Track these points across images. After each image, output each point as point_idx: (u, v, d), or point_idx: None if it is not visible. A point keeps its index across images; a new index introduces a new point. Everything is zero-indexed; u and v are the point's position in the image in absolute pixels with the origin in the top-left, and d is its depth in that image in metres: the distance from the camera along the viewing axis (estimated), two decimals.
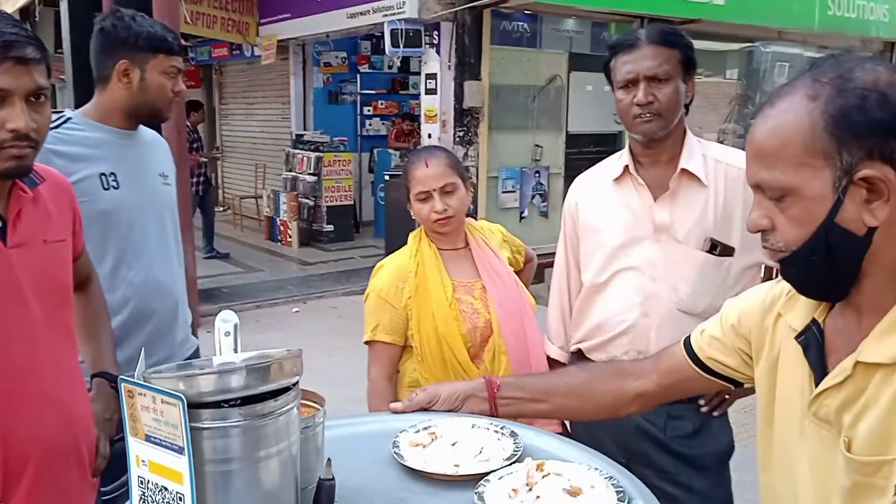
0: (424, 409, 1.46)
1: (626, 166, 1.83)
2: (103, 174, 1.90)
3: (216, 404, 0.92)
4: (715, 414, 1.89)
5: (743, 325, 1.16)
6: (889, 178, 0.86)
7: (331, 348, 5.02)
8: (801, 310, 1.04)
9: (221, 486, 0.92)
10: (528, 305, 2.01)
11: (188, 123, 6.97)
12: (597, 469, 1.22)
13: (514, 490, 1.16)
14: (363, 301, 2.01)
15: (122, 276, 2.01)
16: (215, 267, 7.96)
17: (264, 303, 6.77)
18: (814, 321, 1.01)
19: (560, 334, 2.05)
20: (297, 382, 1.01)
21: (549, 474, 1.18)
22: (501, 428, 1.39)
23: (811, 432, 0.99)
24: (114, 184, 1.91)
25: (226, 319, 1.10)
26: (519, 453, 1.28)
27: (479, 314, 1.96)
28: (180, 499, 0.91)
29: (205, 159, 8.40)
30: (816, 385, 0.98)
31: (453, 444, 1.32)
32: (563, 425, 1.96)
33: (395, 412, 1.47)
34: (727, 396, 1.84)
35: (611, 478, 1.19)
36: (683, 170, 1.77)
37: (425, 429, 1.37)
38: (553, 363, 2.04)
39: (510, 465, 1.25)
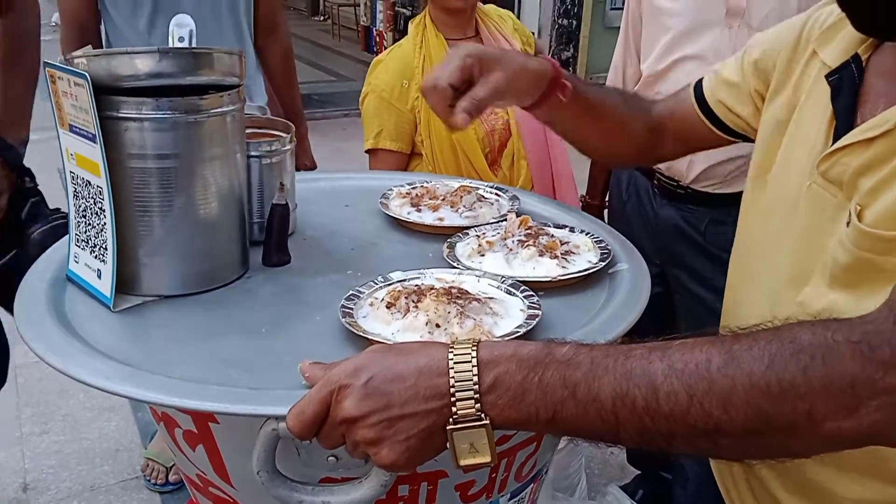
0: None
1: None
2: None
3: (136, 93, 0.83)
4: None
5: (767, 58, 0.93)
6: None
7: None
8: (840, 43, 0.81)
9: (144, 185, 0.85)
10: None
11: None
12: (588, 234, 1.09)
13: (488, 243, 1.05)
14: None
15: (158, 32, 1.93)
16: (307, 74, 7.93)
17: (352, 111, 6.74)
18: (855, 57, 0.79)
19: None
20: (239, 87, 0.91)
21: (531, 230, 1.06)
22: (504, 191, 1.28)
23: (811, 196, 0.80)
24: None
25: (181, 24, 0.99)
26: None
27: (497, 115, 1.78)
28: (100, 192, 0.85)
29: None
30: (836, 138, 0.77)
31: (442, 199, 1.22)
32: None
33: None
34: None
35: (600, 241, 1.06)
36: None
37: (422, 185, 1.27)
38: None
39: (498, 223, 1.14)
